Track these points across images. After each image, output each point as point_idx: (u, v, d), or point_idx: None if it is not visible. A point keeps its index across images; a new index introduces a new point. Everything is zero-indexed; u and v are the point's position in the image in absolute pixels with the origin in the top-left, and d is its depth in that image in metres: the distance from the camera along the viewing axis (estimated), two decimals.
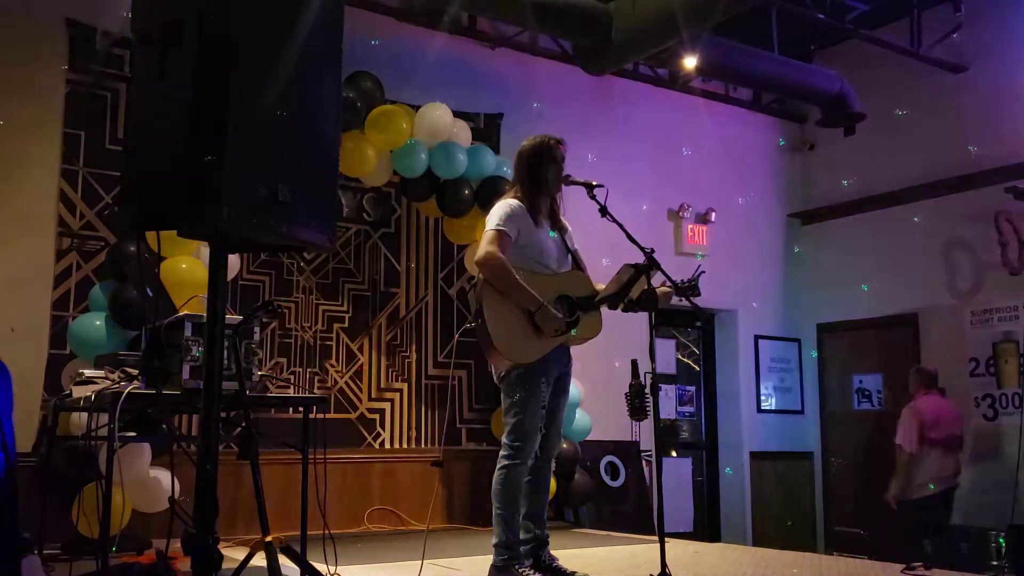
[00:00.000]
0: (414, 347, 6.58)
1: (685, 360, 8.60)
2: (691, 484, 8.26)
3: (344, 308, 6.36)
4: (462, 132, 6.28)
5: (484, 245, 3.71)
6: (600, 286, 3.84)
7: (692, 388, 8.61)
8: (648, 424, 6.90)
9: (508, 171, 5.13)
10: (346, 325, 6.35)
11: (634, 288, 3.63)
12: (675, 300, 3.82)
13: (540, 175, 3.82)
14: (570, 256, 3.95)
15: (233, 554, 3.90)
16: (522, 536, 3.76)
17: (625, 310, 3.72)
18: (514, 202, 3.81)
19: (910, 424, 6.83)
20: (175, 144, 2.04)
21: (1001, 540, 6.62)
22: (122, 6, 5.05)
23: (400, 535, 5.70)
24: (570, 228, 4.01)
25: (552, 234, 3.90)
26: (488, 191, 6.06)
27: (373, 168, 5.98)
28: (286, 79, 2.20)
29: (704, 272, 3.79)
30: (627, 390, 6.93)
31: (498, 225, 3.72)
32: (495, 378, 3.81)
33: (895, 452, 6.90)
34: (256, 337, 3.76)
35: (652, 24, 6.51)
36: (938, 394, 7.01)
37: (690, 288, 3.72)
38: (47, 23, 5.49)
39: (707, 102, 8.49)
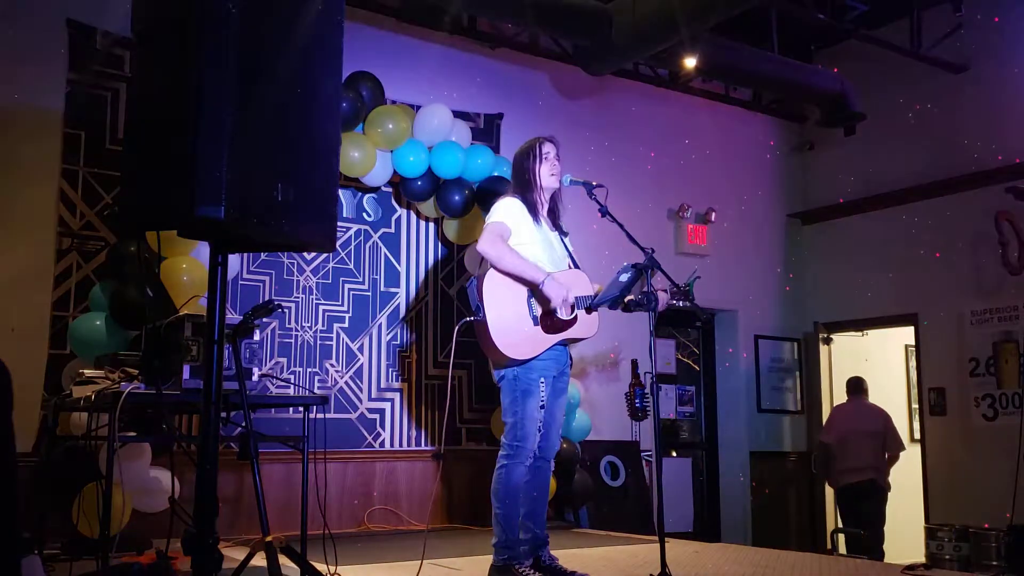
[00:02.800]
0: (414, 347, 6.58)
1: (685, 360, 8.59)
2: (691, 484, 8.25)
3: (344, 308, 6.36)
4: (462, 132, 6.28)
5: (486, 235, 3.78)
6: (599, 287, 3.87)
7: (692, 388, 8.60)
8: (648, 424, 6.92)
9: (508, 171, 5.14)
10: (346, 325, 6.35)
11: (633, 288, 3.65)
12: (673, 301, 3.84)
13: (532, 175, 3.90)
14: (569, 257, 3.98)
15: (233, 554, 3.91)
16: (522, 536, 3.76)
17: (625, 310, 3.73)
18: (515, 199, 3.90)
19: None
20: (174, 144, 2.04)
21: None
22: (122, 6, 5.04)
23: (400, 535, 5.70)
24: (569, 233, 4.05)
25: (552, 234, 3.94)
26: (488, 191, 6.07)
27: (373, 168, 5.99)
28: (286, 79, 2.20)
29: (699, 277, 3.81)
30: (627, 390, 6.95)
31: (500, 218, 3.82)
32: (494, 378, 3.83)
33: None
34: (256, 337, 3.76)
35: (652, 24, 6.50)
36: (862, 397, 7.63)
37: (683, 294, 3.74)
38: (47, 23, 5.48)
39: (707, 102, 8.48)
